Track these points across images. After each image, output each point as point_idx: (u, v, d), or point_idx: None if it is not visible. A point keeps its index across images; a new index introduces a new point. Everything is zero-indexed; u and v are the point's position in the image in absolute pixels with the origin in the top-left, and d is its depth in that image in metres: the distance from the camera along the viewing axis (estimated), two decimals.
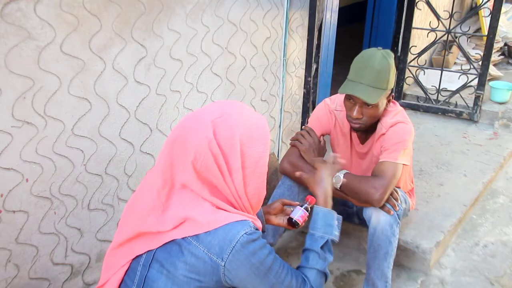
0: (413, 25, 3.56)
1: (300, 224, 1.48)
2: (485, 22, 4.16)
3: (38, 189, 1.60)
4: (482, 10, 3.87)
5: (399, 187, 1.95)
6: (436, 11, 3.47)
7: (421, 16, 3.79)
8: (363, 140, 1.95)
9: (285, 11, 2.45)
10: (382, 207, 1.77)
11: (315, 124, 1.99)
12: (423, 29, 3.65)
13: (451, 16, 3.41)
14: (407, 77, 3.75)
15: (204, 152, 1.10)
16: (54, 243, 1.71)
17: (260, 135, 1.16)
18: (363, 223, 1.91)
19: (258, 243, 1.11)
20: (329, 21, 2.62)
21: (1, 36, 1.38)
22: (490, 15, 3.28)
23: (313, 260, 1.31)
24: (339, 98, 1.96)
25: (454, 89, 3.58)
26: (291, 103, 2.78)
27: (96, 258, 1.88)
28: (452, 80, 3.66)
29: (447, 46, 3.71)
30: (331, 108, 1.98)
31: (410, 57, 3.66)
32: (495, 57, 4.54)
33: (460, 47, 3.53)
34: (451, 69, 3.96)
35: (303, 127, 2.47)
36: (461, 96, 3.54)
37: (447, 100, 3.64)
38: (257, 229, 1.14)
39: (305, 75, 2.69)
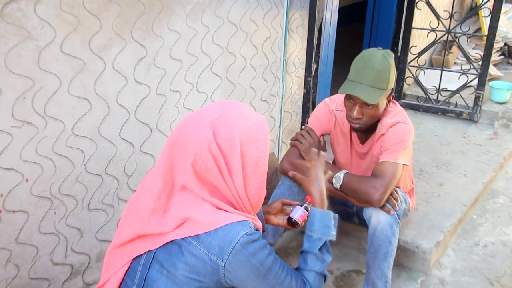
0: (413, 25, 3.56)
1: (299, 223, 1.48)
2: (485, 22, 4.16)
3: (38, 189, 1.60)
4: (482, 10, 3.87)
5: (399, 187, 1.95)
6: (436, 11, 3.47)
7: (421, 16, 3.79)
8: (363, 140, 1.95)
9: (285, 11, 2.45)
10: (382, 207, 1.77)
11: (315, 124, 1.99)
12: (423, 29, 3.65)
13: (451, 16, 3.41)
14: (407, 77, 3.75)
15: (204, 154, 1.10)
16: (54, 243, 1.71)
17: (260, 135, 1.16)
18: (363, 223, 1.91)
19: (258, 243, 1.11)
20: (329, 21, 2.62)
21: (1, 36, 1.38)
22: (490, 15, 3.28)
23: (312, 262, 1.30)
24: (339, 98, 1.96)
25: (454, 89, 3.58)
26: (291, 103, 2.78)
27: (96, 258, 1.88)
28: (452, 80, 3.66)
29: (447, 46, 3.71)
30: (331, 108, 1.98)
31: (410, 57, 3.66)
32: (495, 57, 4.54)
33: (460, 47, 3.53)
34: (451, 69, 3.96)
35: (303, 127, 2.48)
36: (461, 96, 3.54)
37: (447, 100, 3.64)
38: (257, 230, 1.14)
39: (305, 75, 2.69)
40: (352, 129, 1.92)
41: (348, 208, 2.07)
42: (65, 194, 1.69)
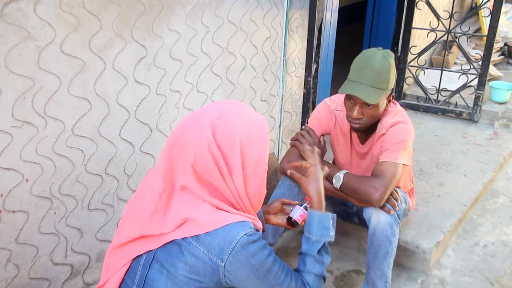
0: (413, 25, 3.56)
1: (299, 223, 1.48)
2: (485, 22, 4.16)
3: (38, 189, 1.60)
4: (482, 10, 3.87)
5: (399, 187, 1.95)
6: (436, 11, 3.47)
7: (421, 16, 3.79)
8: (363, 140, 1.95)
9: (285, 11, 2.45)
10: (382, 207, 1.77)
11: (315, 124, 1.99)
12: (423, 29, 3.65)
13: (451, 16, 3.41)
14: (407, 77, 3.75)
15: (203, 154, 1.09)
16: (54, 243, 1.71)
17: (260, 135, 1.16)
18: (363, 223, 1.91)
19: (258, 244, 1.11)
20: (329, 21, 2.62)
21: (1, 36, 1.38)
22: (490, 15, 3.28)
23: (310, 265, 1.30)
24: (339, 98, 1.96)
25: (454, 89, 3.58)
26: (291, 103, 2.78)
27: (96, 258, 1.88)
28: (452, 80, 3.66)
29: (447, 46, 3.71)
30: (331, 108, 1.98)
31: (410, 57, 3.66)
32: (495, 57, 4.54)
33: (460, 47, 3.53)
34: (451, 69, 3.96)
35: (303, 127, 2.48)
36: (461, 96, 3.54)
37: (447, 100, 3.64)
38: (257, 230, 1.14)
39: (305, 75, 2.69)
40: (352, 129, 1.92)
41: (348, 208, 2.07)
42: (65, 194, 1.69)
